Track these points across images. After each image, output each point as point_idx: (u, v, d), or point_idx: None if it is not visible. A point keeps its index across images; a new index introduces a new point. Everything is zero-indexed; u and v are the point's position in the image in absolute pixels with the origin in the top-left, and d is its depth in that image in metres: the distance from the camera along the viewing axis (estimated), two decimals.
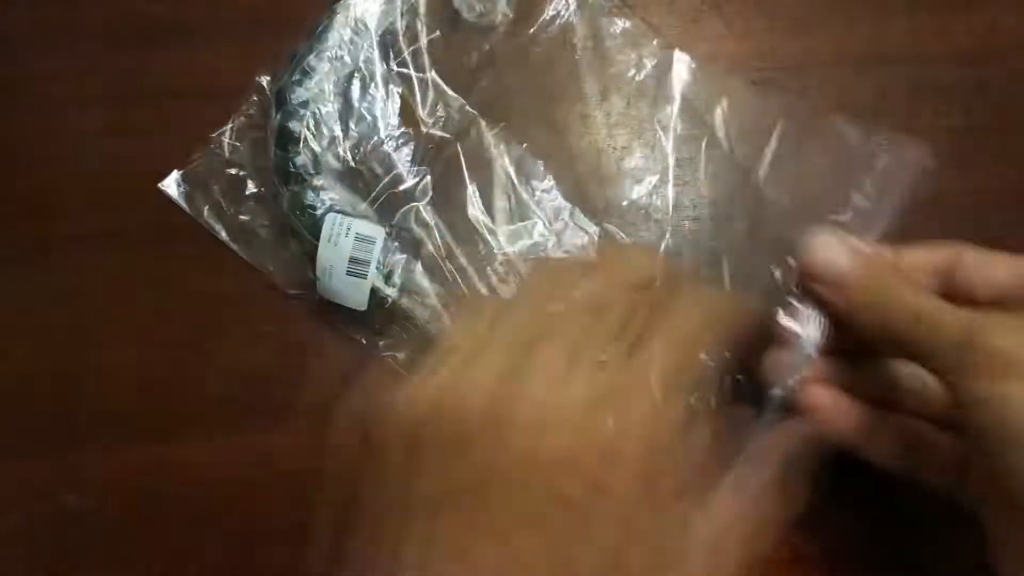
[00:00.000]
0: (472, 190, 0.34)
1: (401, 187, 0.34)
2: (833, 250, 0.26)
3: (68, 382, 0.33)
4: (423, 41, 0.36)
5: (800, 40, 0.37)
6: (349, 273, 0.32)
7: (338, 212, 0.33)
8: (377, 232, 0.33)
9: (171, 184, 0.35)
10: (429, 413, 0.23)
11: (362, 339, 0.33)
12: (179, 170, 0.35)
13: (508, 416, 0.22)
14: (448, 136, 0.35)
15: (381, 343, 0.33)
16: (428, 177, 0.34)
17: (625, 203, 0.35)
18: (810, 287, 0.26)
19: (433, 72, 0.35)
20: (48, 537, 0.32)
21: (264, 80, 0.36)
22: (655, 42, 0.36)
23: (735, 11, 0.37)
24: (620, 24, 0.36)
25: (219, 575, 0.31)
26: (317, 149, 0.34)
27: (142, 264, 0.34)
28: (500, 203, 0.34)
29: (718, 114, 0.35)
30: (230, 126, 0.35)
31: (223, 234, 0.34)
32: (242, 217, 0.34)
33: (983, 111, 0.36)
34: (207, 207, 0.35)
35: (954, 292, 0.26)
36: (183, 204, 0.35)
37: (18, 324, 0.34)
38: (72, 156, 0.36)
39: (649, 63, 0.36)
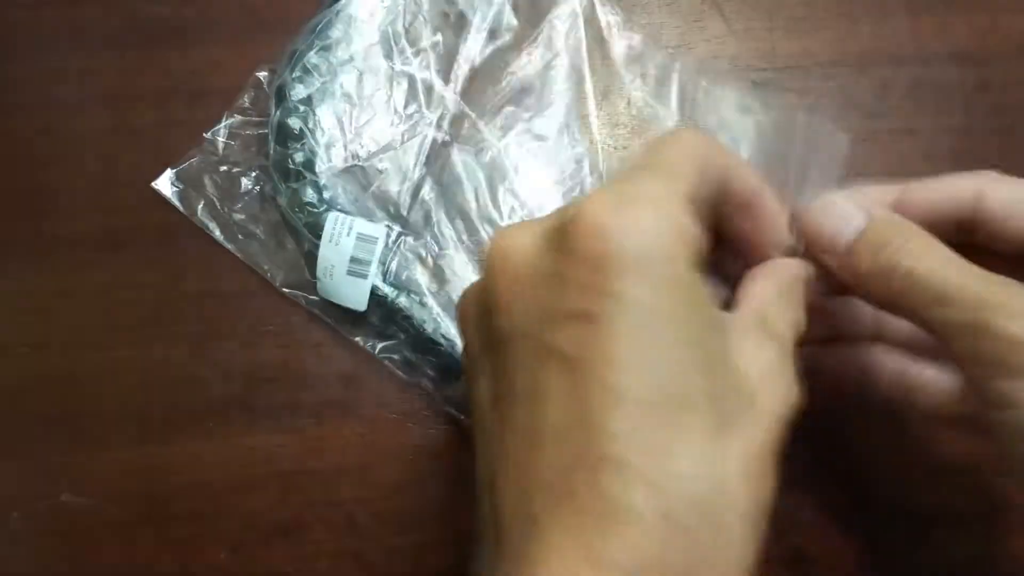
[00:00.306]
0: (472, 188, 0.34)
1: (401, 185, 0.34)
2: (836, 216, 0.23)
3: (68, 382, 0.33)
4: (425, 39, 0.36)
5: (800, 40, 0.37)
6: (350, 273, 0.32)
7: (339, 210, 0.33)
8: (378, 231, 0.32)
9: (164, 182, 0.35)
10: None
11: (359, 340, 0.33)
12: (172, 168, 0.35)
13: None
14: (448, 134, 0.35)
15: (380, 345, 0.33)
16: (428, 175, 0.34)
17: None
18: (816, 257, 0.23)
19: (434, 70, 0.35)
20: (48, 537, 0.32)
21: (262, 75, 0.35)
22: (653, 42, 0.36)
23: (735, 11, 0.37)
24: (621, 21, 0.36)
25: (219, 575, 0.31)
26: (317, 146, 0.34)
27: (143, 264, 0.34)
28: (500, 201, 0.34)
29: (718, 114, 0.35)
30: (224, 123, 0.35)
31: (217, 233, 0.34)
32: (237, 216, 0.34)
33: (983, 111, 0.36)
34: (201, 205, 0.34)
35: (975, 239, 0.22)
36: (176, 203, 0.34)
37: (18, 324, 0.34)
38: (72, 156, 0.36)
39: (650, 63, 0.36)
